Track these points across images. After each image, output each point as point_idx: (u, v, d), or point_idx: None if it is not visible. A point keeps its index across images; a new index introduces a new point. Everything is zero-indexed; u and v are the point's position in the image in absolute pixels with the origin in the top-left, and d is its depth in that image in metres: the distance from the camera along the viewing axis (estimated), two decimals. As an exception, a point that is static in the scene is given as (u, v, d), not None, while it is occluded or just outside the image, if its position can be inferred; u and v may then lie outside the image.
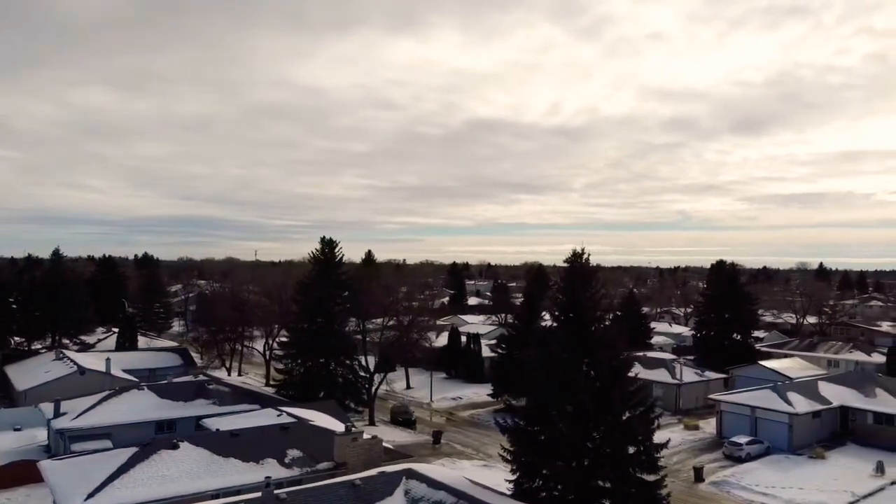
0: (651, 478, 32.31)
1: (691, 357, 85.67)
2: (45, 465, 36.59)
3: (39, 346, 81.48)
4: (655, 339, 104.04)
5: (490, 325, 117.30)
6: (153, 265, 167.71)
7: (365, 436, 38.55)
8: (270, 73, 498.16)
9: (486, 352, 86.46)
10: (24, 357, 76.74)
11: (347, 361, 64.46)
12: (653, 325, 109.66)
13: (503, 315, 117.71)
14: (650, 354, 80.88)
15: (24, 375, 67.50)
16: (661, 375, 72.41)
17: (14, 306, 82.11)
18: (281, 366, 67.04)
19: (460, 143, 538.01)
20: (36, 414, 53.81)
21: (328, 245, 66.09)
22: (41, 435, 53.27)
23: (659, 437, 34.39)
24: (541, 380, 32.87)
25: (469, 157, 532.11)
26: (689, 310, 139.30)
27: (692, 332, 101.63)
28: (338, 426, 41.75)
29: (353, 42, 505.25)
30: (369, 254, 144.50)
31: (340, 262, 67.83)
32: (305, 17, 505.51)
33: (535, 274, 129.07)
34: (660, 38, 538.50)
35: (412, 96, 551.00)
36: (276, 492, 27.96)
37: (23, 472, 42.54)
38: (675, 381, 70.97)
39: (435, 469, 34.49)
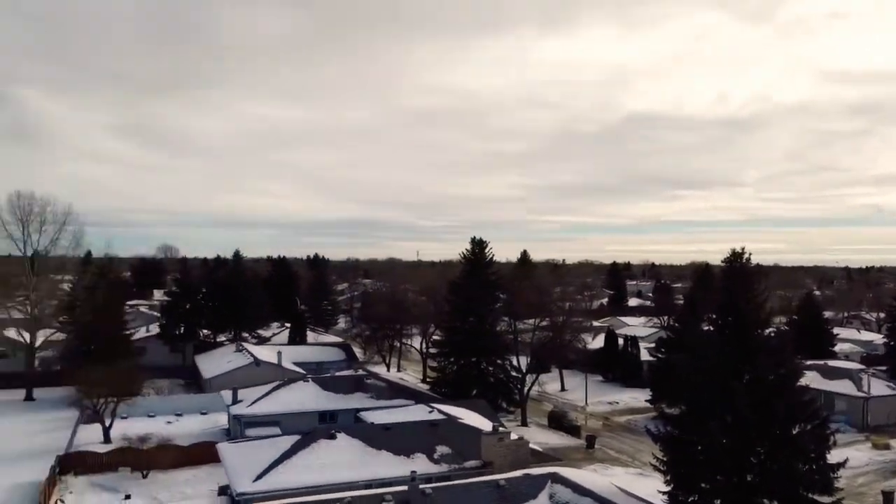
0: (825, 500, 29.18)
1: (883, 368, 76.51)
2: (222, 448, 40.11)
3: (223, 339, 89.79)
4: (840, 347, 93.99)
5: (650, 327, 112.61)
6: (323, 265, 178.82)
7: (512, 436, 38.35)
8: (429, 79, 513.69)
9: (644, 355, 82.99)
10: (210, 348, 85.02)
11: (499, 361, 64.65)
12: (837, 330, 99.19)
13: (665, 317, 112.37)
14: (832, 363, 73.18)
15: (210, 364, 74.80)
16: (844, 387, 65.28)
17: (202, 302, 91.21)
18: (435, 363, 68.68)
19: (618, 140, 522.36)
20: (218, 400, 59.26)
21: (478, 245, 66.73)
22: (223, 419, 58.51)
23: (837, 455, 31.02)
24: (696, 386, 30.83)
25: (628, 153, 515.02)
26: (881, 315, 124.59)
27: (885, 339, 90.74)
28: (487, 425, 41.86)
29: (506, 43, 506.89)
30: (524, 254, 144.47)
31: (491, 262, 68.23)
32: (458, 22, 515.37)
33: (700, 274, 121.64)
34: (841, 16, 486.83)
35: (566, 94, 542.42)
36: (421, 486, 28.56)
37: (207, 452, 46.75)
38: (862, 395, 63.65)
39: (583, 474, 33.51)
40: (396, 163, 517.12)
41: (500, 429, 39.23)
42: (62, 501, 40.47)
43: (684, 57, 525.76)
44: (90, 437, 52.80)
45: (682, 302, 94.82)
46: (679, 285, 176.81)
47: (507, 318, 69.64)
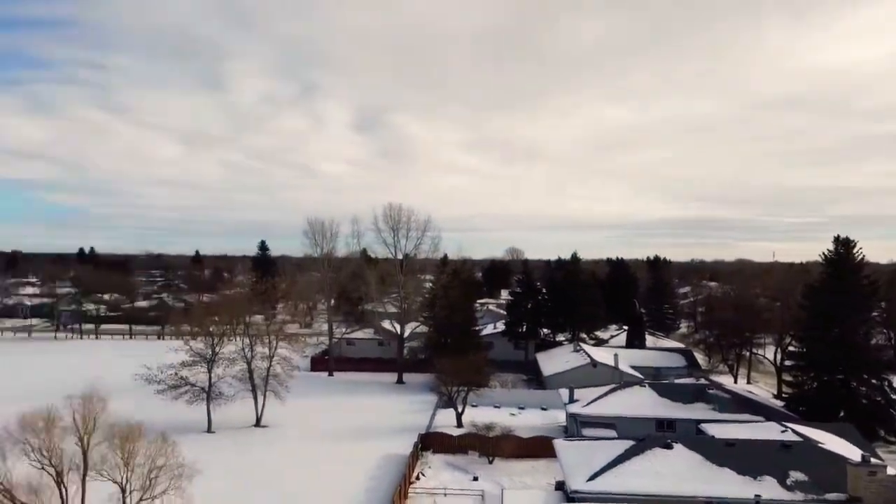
0: None
1: None
2: (558, 444, 41.25)
3: (562, 338, 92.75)
4: None
5: None
6: (663, 267, 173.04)
7: (889, 471, 32.23)
8: (782, 64, 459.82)
9: None
10: (550, 347, 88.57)
11: (874, 381, 55.01)
12: None
13: None
14: None
15: (549, 362, 77.99)
16: None
17: (542, 302, 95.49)
18: (791, 378, 61.33)
19: None
20: (556, 397, 61.41)
21: (842, 244, 57.43)
22: (560, 416, 60.36)
23: None
24: None
25: None
26: None
27: None
28: (855, 454, 35.94)
29: (885, 7, 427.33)
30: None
31: (861, 263, 58.28)
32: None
33: None
34: None
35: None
36: (767, 513, 25.67)
37: (544, 446, 48.64)
38: None
39: None
40: (747, 157, 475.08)
41: (874, 460, 33.30)
42: (423, 475, 45.94)
43: None
44: (445, 421, 59.13)
45: None
46: None
47: (885, 331, 58.93)
